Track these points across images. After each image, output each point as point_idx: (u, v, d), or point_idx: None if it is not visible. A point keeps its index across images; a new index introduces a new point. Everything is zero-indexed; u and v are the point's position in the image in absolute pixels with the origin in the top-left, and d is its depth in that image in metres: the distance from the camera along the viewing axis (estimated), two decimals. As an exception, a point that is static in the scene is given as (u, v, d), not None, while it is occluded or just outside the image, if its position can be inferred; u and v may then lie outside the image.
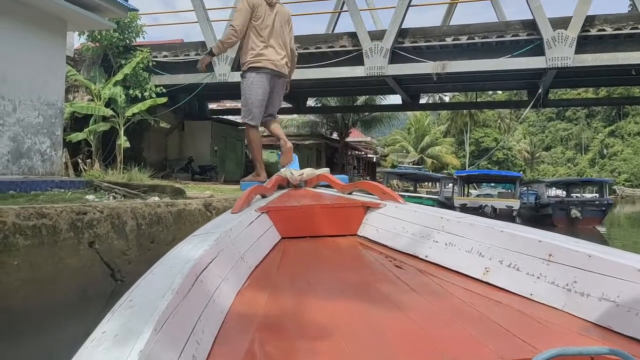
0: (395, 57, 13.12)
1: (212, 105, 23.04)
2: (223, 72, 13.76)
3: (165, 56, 14.91)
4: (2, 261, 3.32)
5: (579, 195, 20.94)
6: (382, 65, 12.92)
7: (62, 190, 6.39)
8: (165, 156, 18.10)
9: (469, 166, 46.79)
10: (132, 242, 4.64)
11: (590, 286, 1.17)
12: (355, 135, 32.18)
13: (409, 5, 12.96)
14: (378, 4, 18.40)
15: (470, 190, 20.54)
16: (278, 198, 2.58)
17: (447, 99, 44.41)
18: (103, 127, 13.21)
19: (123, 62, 14.22)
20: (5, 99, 6.78)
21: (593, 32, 11.78)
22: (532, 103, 15.16)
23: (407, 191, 19.80)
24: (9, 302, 3.31)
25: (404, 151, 46.89)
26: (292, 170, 3.09)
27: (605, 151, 61.89)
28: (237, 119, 18.57)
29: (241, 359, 1.03)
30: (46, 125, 7.42)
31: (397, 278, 1.54)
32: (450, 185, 19.25)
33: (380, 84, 15.99)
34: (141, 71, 14.02)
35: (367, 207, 2.26)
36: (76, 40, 14.92)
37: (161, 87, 14.25)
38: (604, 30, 11.72)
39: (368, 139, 35.43)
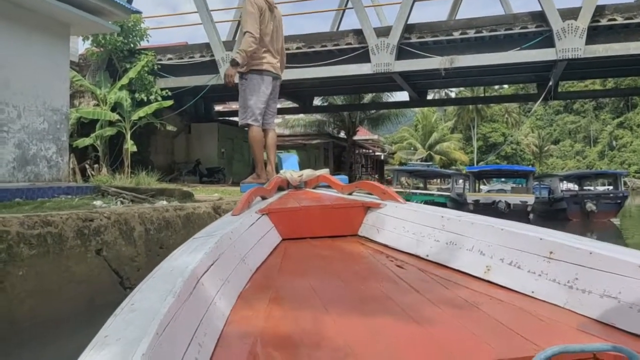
0: (402, 53, 12.99)
1: (218, 107, 23.02)
2: (228, 73, 13.68)
3: (170, 59, 14.89)
4: (6, 272, 3.22)
5: (591, 188, 20.58)
6: (389, 62, 12.79)
7: (69, 196, 6.31)
8: (173, 159, 18.09)
9: (477, 162, 46.47)
10: (140, 248, 4.54)
11: (592, 283, 1.16)
12: (363, 134, 32.06)
13: (414, 0, 12.81)
14: (382, 0, 18.27)
15: (480, 186, 20.27)
16: (278, 199, 2.61)
17: (452, 95, 44.21)
18: (110, 131, 13.20)
19: (128, 66, 14.21)
20: (10, 105, 6.71)
21: (603, 22, 11.58)
22: (542, 95, 14.96)
23: (417, 188, 19.55)
24: (14, 314, 3.21)
25: (412, 148, 46.68)
26: (292, 172, 3.14)
27: (614, 143, 61.29)
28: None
29: None
30: (52, 131, 7.34)
31: (398, 278, 1.55)
32: (461, 181, 19.02)
33: (387, 81, 15.88)
34: (146, 74, 14.00)
35: (367, 208, 2.27)
36: (81, 46, 14.92)
37: (167, 90, 14.21)
38: (614, 20, 11.52)
39: (375, 136, 35.29)
